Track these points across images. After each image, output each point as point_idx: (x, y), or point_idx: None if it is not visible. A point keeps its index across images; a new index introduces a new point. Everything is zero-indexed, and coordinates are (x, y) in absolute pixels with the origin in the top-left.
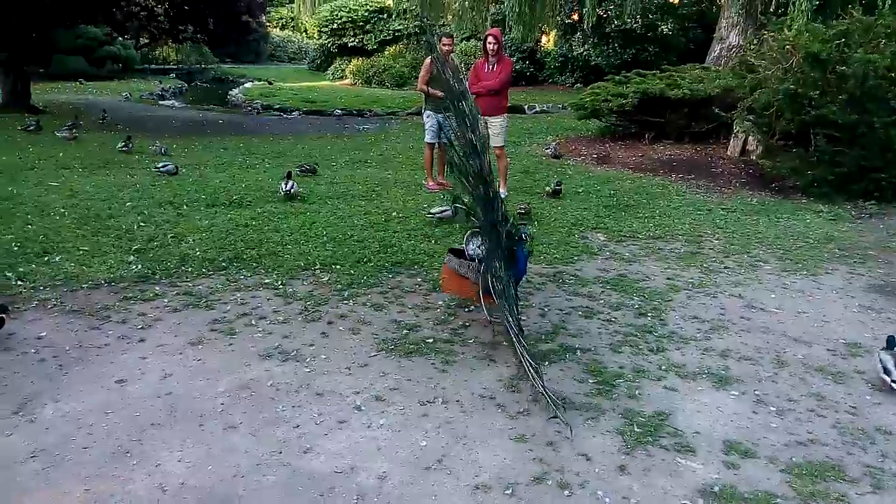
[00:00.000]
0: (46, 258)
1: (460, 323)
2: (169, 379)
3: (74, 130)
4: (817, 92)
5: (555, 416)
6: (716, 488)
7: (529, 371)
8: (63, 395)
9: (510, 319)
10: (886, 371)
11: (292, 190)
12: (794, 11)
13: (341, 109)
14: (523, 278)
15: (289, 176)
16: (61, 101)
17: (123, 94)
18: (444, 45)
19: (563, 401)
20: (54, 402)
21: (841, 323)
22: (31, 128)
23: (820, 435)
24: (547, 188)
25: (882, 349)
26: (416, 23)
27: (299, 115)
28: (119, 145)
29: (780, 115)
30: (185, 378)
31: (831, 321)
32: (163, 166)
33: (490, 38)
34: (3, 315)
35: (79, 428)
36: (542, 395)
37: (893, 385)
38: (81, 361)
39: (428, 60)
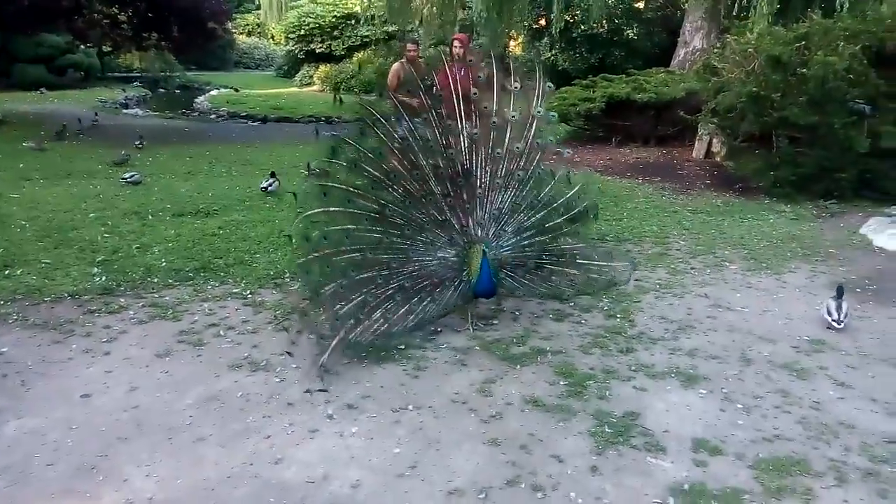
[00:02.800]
0: (7, 272)
1: (432, 329)
2: (135, 392)
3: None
4: (779, 94)
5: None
6: (685, 486)
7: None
8: (26, 411)
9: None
10: (829, 312)
11: (270, 188)
12: (755, 15)
13: (309, 116)
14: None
15: (273, 175)
16: (22, 112)
17: (98, 100)
18: (409, 50)
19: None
20: (17, 418)
21: (804, 320)
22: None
23: (785, 431)
24: None
25: (831, 297)
26: (384, 28)
27: (263, 123)
28: (136, 143)
29: (744, 118)
30: (152, 391)
31: (795, 319)
32: (129, 176)
33: (456, 43)
34: None
35: (43, 444)
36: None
37: (833, 323)
38: (45, 376)
39: (396, 66)
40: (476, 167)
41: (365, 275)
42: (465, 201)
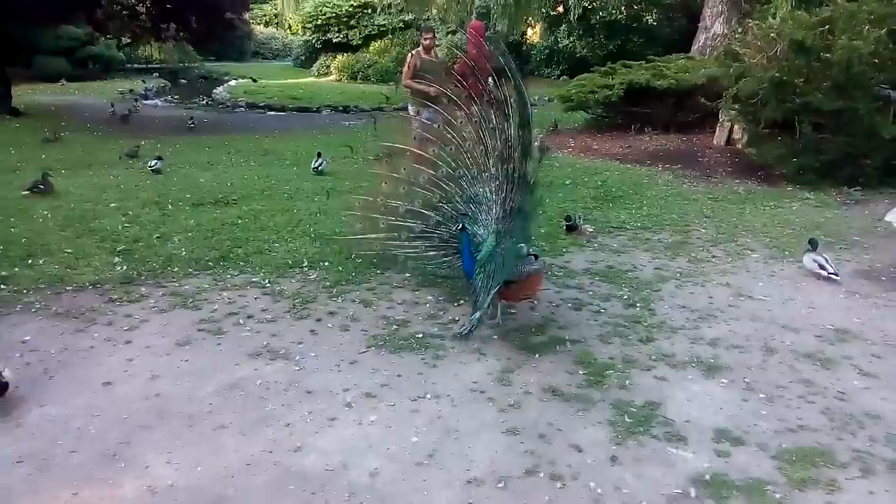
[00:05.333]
0: (30, 261)
1: (450, 318)
2: (156, 380)
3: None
4: (802, 80)
5: None
6: (707, 477)
7: None
8: (49, 398)
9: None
10: (822, 267)
11: (320, 167)
12: None
13: (327, 106)
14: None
15: (319, 155)
16: (44, 103)
17: (118, 92)
18: (425, 39)
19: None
20: (40, 406)
21: (828, 309)
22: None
23: (809, 421)
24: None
25: (807, 251)
26: (401, 17)
27: (282, 112)
28: (188, 124)
29: (766, 104)
30: (172, 379)
31: (818, 307)
32: (154, 163)
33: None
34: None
35: (65, 432)
36: None
37: (831, 276)
38: (67, 365)
39: (411, 55)
40: (513, 157)
41: (427, 212)
42: (503, 188)
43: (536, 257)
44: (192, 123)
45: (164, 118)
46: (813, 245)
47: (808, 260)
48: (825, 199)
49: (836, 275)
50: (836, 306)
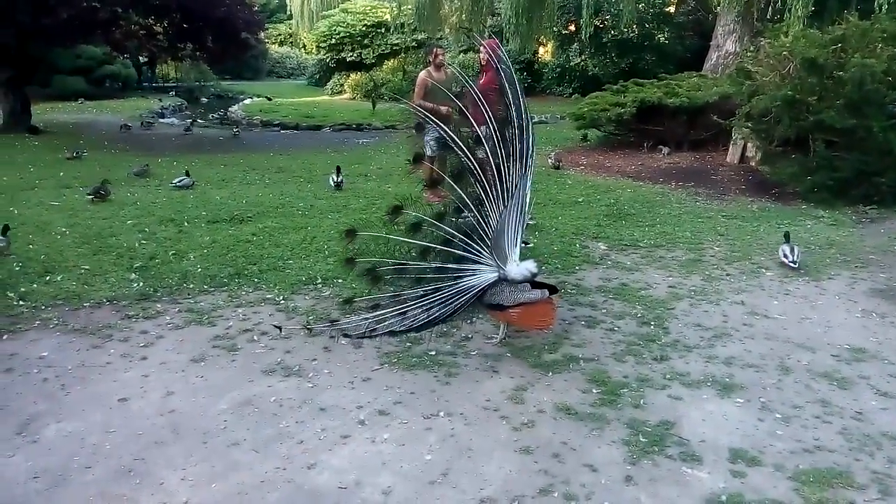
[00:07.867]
0: (48, 278)
1: (462, 335)
2: (171, 396)
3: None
4: (815, 97)
5: None
6: (723, 497)
7: None
8: (65, 414)
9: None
10: (785, 255)
11: (342, 183)
12: (790, 18)
13: (340, 124)
14: None
15: (338, 170)
16: (62, 121)
17: (137, 111)
18: (436, 56)
19: (566, 410)
20: (57, 421)
21: (844, 328)
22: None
23: (826, 441)
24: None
25: (783, 244)
26: (414, 36)
27: (296, 130)
28: (234, 130)
29: (779, 122)
30: (187, 395)
31: (835, 326)
32: (179, 181)
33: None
34: None
35: (81, 447)
36: None
37: (790, 264)
38: (83, 380)
39: (422, 75)
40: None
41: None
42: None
43: (553, 289)
44: (237, 132)
45: (180, 136)
46: (786, 237)
47: (779, 250)
48: (840, 218)
49: (795, 264)
50: (853, 325)
